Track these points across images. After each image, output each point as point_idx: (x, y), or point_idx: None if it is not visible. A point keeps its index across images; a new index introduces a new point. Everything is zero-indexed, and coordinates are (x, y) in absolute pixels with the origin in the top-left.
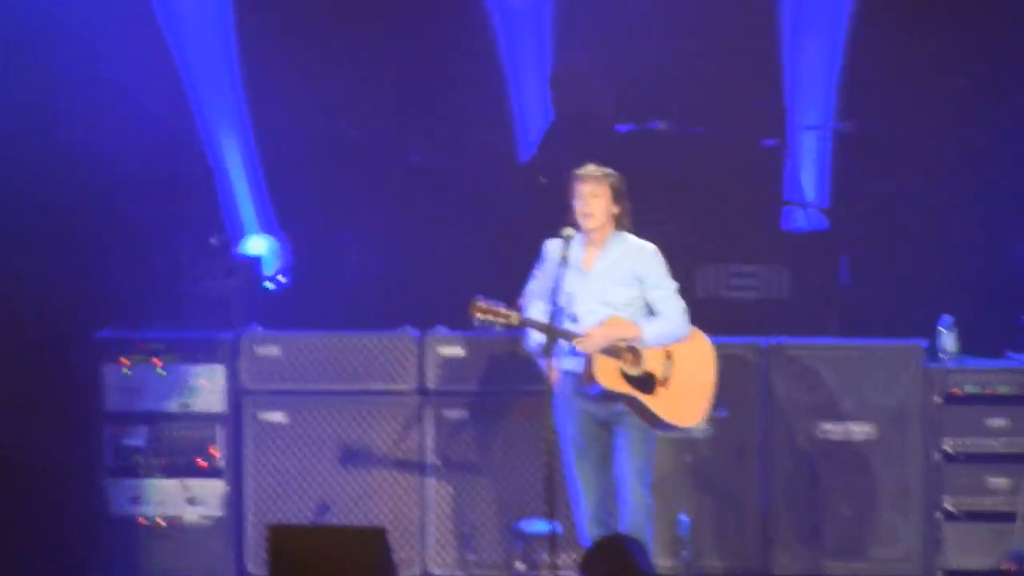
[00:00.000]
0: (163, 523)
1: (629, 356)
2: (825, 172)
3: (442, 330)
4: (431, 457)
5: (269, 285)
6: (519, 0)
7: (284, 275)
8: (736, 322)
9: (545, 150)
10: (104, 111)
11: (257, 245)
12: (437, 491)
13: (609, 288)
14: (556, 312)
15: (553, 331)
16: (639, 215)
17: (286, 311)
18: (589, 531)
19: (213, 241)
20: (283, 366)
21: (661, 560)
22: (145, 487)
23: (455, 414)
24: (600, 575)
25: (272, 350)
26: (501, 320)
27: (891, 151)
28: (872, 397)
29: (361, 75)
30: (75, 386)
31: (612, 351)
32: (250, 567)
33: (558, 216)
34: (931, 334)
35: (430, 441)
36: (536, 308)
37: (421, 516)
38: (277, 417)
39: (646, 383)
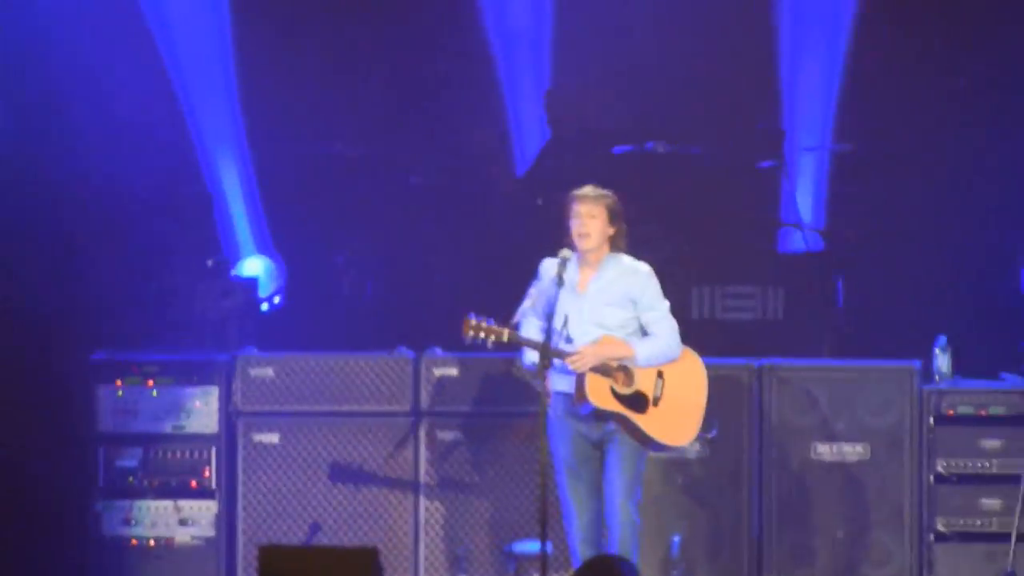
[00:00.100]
0: (154, 544)
1: (621, 375)
2: (821, 193)
3: (437, 351)
4: (424, 478)
5: (265, 306)
6: (518, 21)
7: (280, 296)
8: (731, 343)
9: (541, 169)
10: (101, 133)
11: (253, 266)
12: (430, 512)
13: (603, 309)
14: (551, 333)
15: (546, 350)
16: (635, 235)
17: (281, 332)
18: (581, 552)
19: (209, 263)
20: (277, 387)
21: None
22: (137, 508)
23: (448, 435)
24: None
25: (267, 371)
26: (492, 337)
27: (888, 173)
28: (866, 418)
29: (358, 96)
30: (69, 407)
31: (604, 370)
32: None
33: (554, 236)
34: (926, 355)
35: (423, 462)
36: (531, 326)
37: (414, 537)
38: (271, 438)
39: (637, 402)
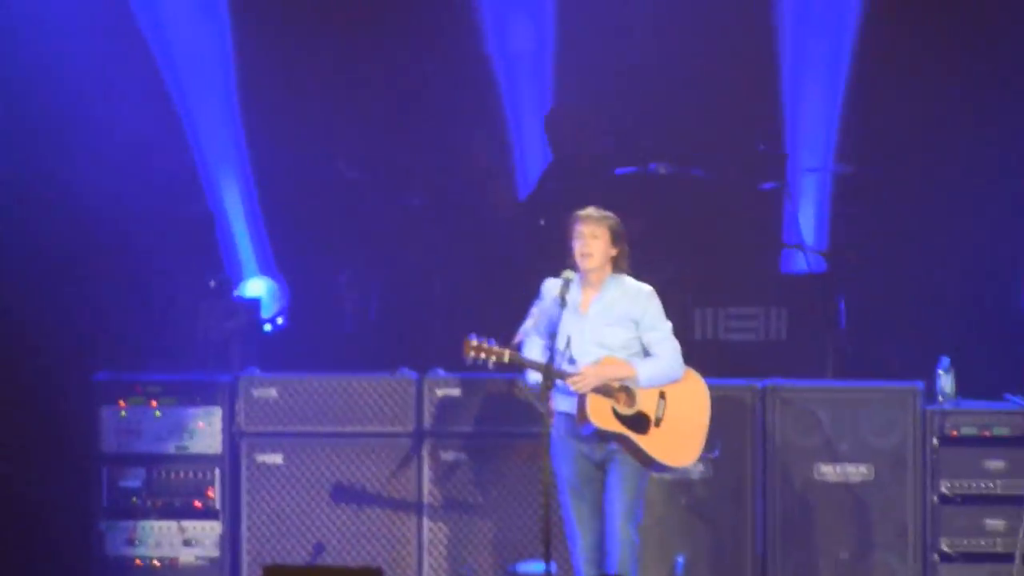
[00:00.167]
0: (158, 564)
1: (623, 396)
2: (824, 214)
3: (440, 372)
4: (427, 498)
5: (268, 327)
6: (520, 42)
7: (282, 317)
8: (734, 364)
9: (543, 192)
10: (102, 153)
11: (255, 287)
12: (433, 532)
13: (604, 330)
14: (554, 354)
15: (549, 371)
16: (638, 257)
17: (284, 353)
18: (585, 572)
19: (212, 283)
20: (280, 408)
21: None
22: (141, 528)
23: (451, 455)
24: None
25: (270, 392)
26: (493, 358)
27: (889, 194)
28: (869, 439)
29: (360, 117)
30: (73, 428)
31: (606, 391)
32: None
33: (556, 257)
34: (929, 376)
35: (426, 482)
36: (534, 346)
37: (417, 557)
38: (274, 459)
39: (639, 423)
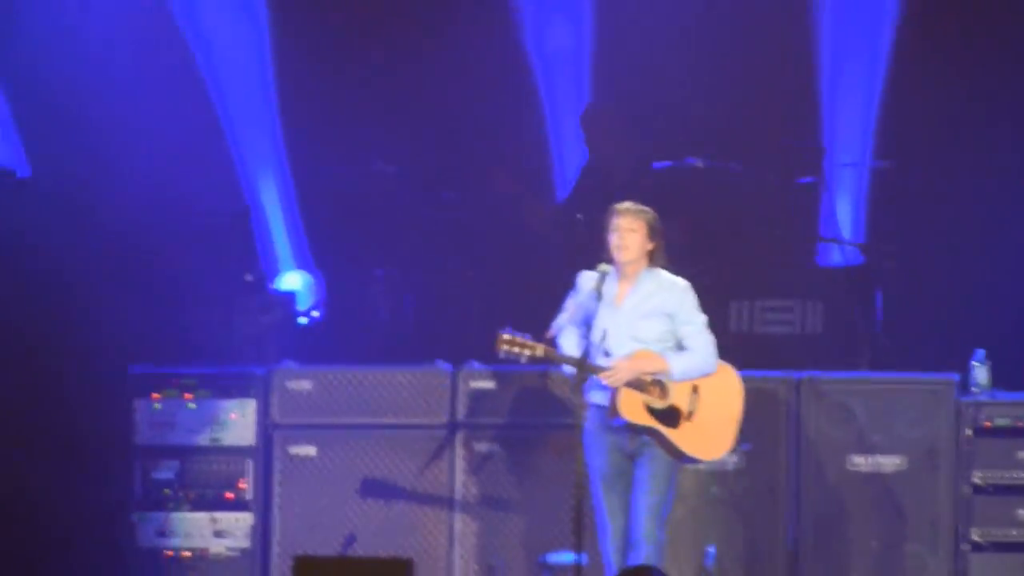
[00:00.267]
0: (189, 555)
1: (655, 389)
2: (861, 208)
3: (475, 364)
4: (459, 489)
5: (303, 320)
6: (558, 40)
7: (318, 310)
8: (769, 357)
9: (580, 190)
10: (142, 151)
11: (291, 281)
12: (464, 523)
13: (639, 323)
14: (589, 347)
15: (582, 364)
16: (674, 250)
17: (319, 346)
18: (615, 563)
19: (248, 277)
20: (315, 400)
21: None
22: (173, 520)
23: (484, 447)
24: None
25: (304, 384)
26: (527, 352)
27: (926, 187)
28: (903, 430)
29: (397, 113)
30: (107, 420)
31: (638, 384)
32: None
33: (592, 252)
34: (964, 368)
35: (459, 473)
36: (569, 339)
37: (448, 548)
38: (308, 451)
39: (671, 417)
